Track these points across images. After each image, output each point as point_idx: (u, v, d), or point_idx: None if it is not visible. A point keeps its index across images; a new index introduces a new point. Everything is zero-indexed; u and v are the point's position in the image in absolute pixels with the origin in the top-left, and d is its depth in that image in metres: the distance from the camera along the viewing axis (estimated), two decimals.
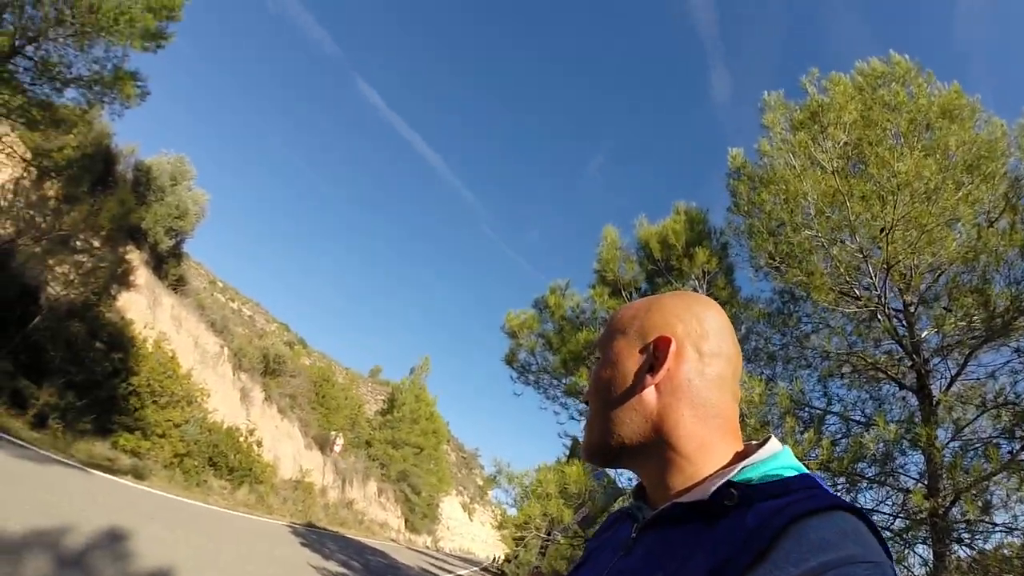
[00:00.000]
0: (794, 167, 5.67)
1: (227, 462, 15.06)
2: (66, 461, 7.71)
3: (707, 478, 0.67)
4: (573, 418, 8.64)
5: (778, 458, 0.67)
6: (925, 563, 5.13)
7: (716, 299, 8.79)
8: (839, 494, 4.69)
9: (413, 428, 33.66)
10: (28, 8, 8.14)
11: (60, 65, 8.61)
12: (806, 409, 6.41)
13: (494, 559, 36.45)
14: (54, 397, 8.41)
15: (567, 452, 9.09)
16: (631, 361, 0.74)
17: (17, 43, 8.21)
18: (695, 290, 7.84)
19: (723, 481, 0.63)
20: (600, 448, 0.76)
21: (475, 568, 26.03)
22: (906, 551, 5.15)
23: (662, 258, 8.35)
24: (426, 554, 26.29)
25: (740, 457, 0.68)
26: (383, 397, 41.00)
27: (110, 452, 9.94)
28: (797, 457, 0.70)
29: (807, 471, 0.66)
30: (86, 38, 8.46)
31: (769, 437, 0.70)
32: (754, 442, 0.71)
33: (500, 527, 10.02)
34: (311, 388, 28.88)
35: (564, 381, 8.81)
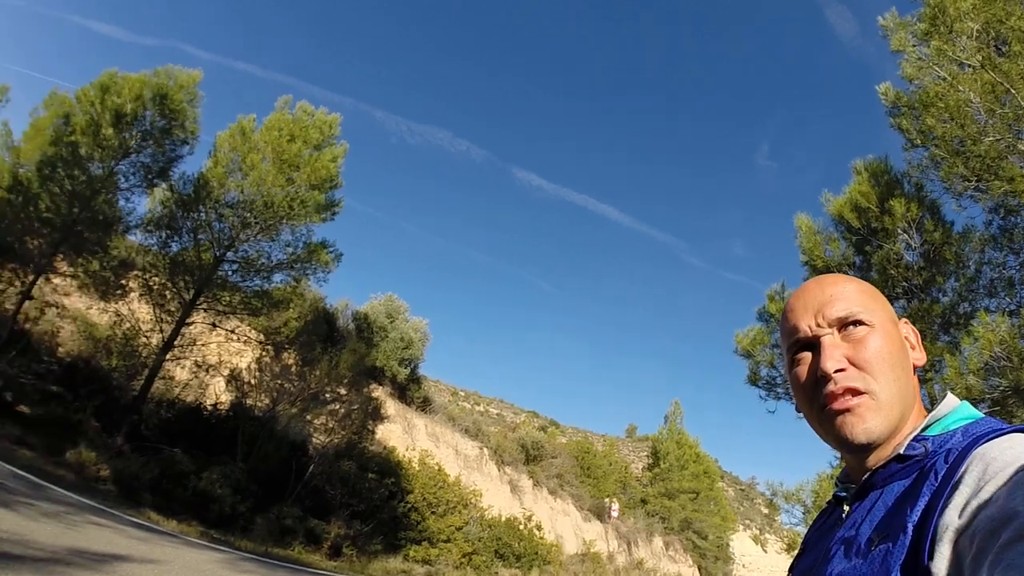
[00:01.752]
0: (944, 78, 4.95)
1: (512, 551, 15.84)
2: None
3: (899, 443, 0.72)
4: None
5: (958, 411, 0.73)
6: None
7: (931, 244, 7.65)
8: None
9: (683, 474, 32.63)
10: (215, 224, 10.44)
11: (260, 258, 10.79)
12: None
13: None
14: (343, 528, 9.83)
15: (836, 455, 8.26)
16: (897, 336, 0.76)
17: (218, 253, 10.51)
18: (907, 244, 7.60)
19: (911, 438, 0.70)
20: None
21: None
22: None
23: (861, 225, 7.94)
24: None
25: (923, 417, 0.75)
26: (645, 453, 40.37)
27: (403, 565, 11.16)
28: None
29: (984, 416, 0.71)
30: (272, 230, 10.53)
31: (947, 395, 0.76)
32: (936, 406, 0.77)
33: (788, 550, 9.20)
34: (574, 463, 29.48)
35: None
